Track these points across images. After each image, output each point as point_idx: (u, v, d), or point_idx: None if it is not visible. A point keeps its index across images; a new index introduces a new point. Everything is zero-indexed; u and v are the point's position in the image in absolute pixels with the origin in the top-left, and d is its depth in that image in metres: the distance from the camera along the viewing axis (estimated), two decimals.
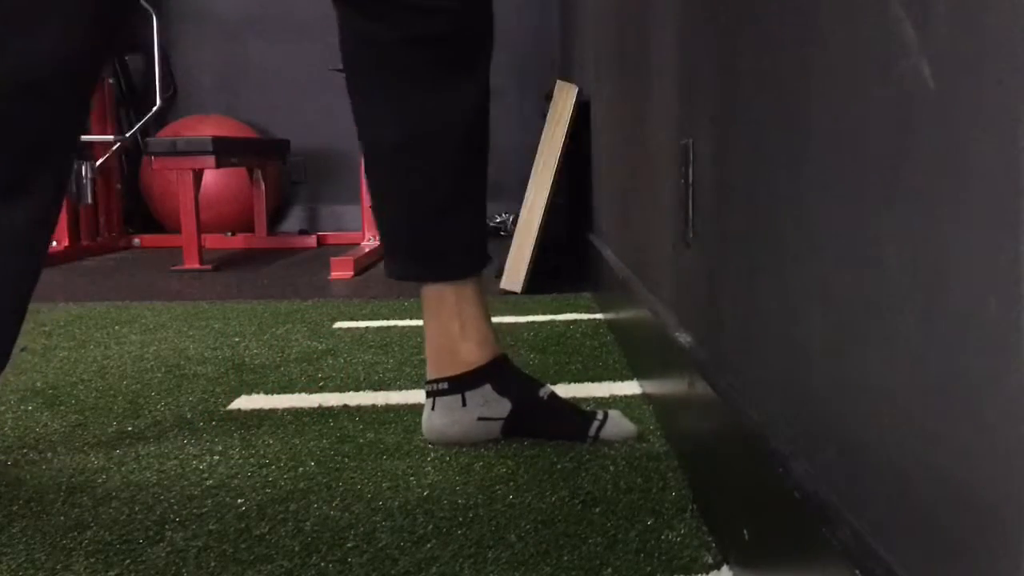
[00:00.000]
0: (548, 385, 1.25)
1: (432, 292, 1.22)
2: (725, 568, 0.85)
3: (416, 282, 1.23)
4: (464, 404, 1.20)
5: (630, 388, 1.49)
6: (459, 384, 1.20)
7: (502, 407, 1.20)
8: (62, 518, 1.00)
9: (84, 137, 3.82)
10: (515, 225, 2.56)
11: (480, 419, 1.20)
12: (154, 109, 4.24)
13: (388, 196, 1.21)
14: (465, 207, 1.22)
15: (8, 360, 1.06)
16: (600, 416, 1.21)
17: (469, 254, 1.23)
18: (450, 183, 1.20)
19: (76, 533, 0.95)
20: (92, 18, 0.99)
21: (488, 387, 1.20)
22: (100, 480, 1.11)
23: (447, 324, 1.21)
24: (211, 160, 3.29)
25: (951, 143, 0.45)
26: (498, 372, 1.22)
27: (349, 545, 0.91)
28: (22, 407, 1.45)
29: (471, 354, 1.21)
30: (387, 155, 1.19)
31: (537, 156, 2.58)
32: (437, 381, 1.22)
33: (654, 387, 1.35)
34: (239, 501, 1.03)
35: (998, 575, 0.41)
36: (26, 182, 1.01)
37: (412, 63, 1.16)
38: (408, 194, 1.20)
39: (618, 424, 1.21)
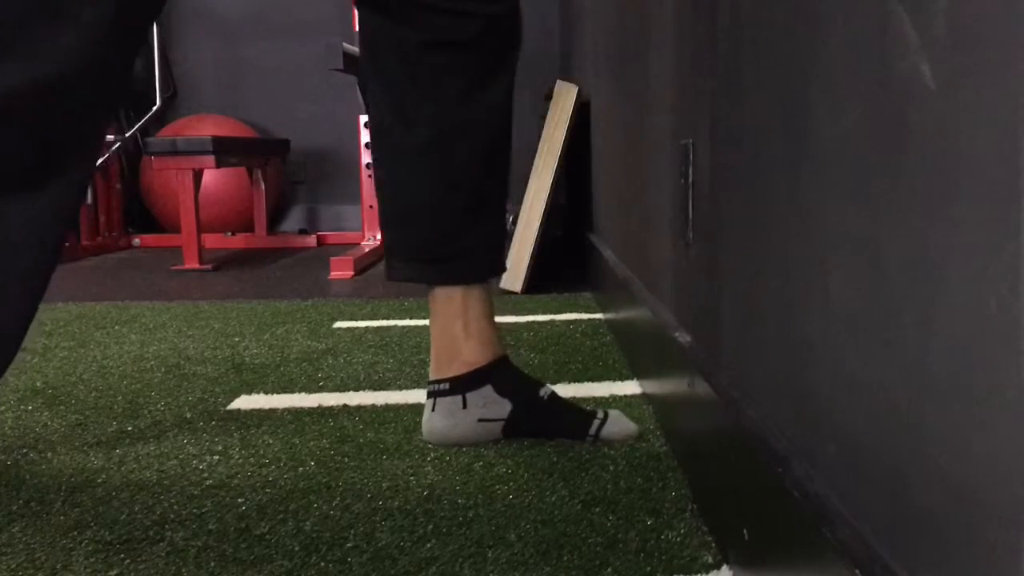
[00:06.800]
0: (548, 385, 1.25)
1: (441, 293, 1.22)
2: (725, 568, 0.85)
3: (428, 284, 1.23)
4: (465, 406, 1.20)
5: (630, 388, 1.49)
6: (460, 385, 1.20)
7: (502, 408, 1.20)
8: (62, 518, 1.00)
9: None
10: (515, 225, 2.56)
11: (480, 420, 1.20)
12: (154, 109, 4.24)
13: (408, 198, 1.20)
14: (487, 209, 1.22)
15: (14, 358, 1.06)
16: (600, 415, 1.21)
17: (489, 257, 1.23)
18: (474, 184, 1.19)
19: (76, 533, 0.95)
20: (120, 16, 0.99)
21: (489, 388, 1.20)
22: (100, 480, 1.11)
23: (451, 324, 1.21)
24: (211, 160, 3.29)
25: (951, 143, 0.45)
26: (499, 373, 1.22)
27: (349, 545, 0.91)
28: (22, 407, 1.45)
29: (473, 354, 1.21)
30: (412, 157, 1.18)
31: (537, 156, 2.58)
32: (439, 382, 1.21)
33: (654, 387, 1.35)
34: (239, 501, 1.03)
35: (998, 575, 0.41)
36: (45, 179, 1.00)
37: (441, 66, 1.15)
38: (432, 196, 1.19)
39: (618, 423, 1.21)
